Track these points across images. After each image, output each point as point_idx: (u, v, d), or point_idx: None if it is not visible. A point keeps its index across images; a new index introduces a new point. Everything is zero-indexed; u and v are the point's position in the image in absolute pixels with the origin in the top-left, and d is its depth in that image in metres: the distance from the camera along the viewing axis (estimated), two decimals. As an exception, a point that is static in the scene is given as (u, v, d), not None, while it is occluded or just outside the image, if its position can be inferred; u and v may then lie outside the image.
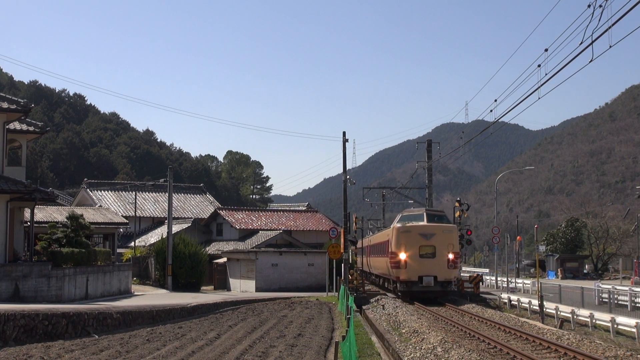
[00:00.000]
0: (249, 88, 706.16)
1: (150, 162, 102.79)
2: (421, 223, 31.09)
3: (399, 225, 31.35)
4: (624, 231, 66.52)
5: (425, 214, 31.90)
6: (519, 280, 46.81)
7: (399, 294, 31.39)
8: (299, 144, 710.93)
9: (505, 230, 70.19)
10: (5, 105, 27.87)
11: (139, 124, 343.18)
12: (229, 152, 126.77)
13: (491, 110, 24.41)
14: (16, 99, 29.73)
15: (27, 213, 31.60)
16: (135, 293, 36.21)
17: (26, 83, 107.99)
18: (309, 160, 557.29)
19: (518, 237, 56.16)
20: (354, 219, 40.05)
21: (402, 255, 30.01)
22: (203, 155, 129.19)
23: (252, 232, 53.74)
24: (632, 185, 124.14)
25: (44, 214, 38.31)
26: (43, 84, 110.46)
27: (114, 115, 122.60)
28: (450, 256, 30.16)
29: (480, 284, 36.22)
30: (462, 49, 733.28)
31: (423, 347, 15.89)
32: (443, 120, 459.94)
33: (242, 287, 45.78)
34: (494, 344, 16.74)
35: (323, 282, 41.69)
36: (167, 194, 45.94)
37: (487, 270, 65.47)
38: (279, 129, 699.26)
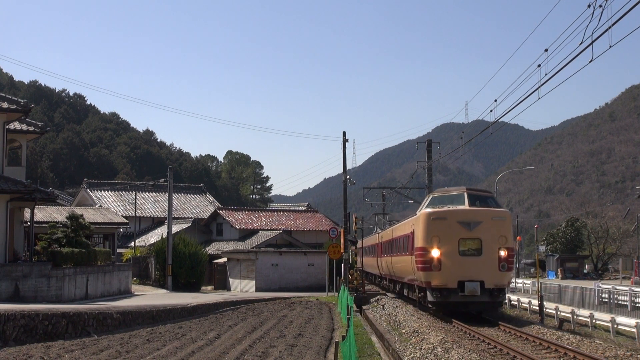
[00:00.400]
0: (250, 88, 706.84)
1: (150, 162, 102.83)
2: (461, 207, 22.81)
3: (429, 210, 23.04)
4: (624, 231, 66.58)
5: (466, 194, 23.38)
6: (519, 280, 46.80)
7: (430, 305, 23.14)
8: (299, 144, 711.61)
9: (505, 230, 70.03)
10: (5, 105, 27.88)
11: (139, 124, 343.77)
12: (229, 152, 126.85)
13: (491, 110, 24.34)
14: (16, 99, 29.75)
15: (27, 213, 31.60)
16: (135, 293, 36.21)
17: (26, 83, 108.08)
18: (309, 160, 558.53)
19: (518, 237, 56.15)
20: (354, 219, 40.01)
21: (435, 252, 22.00)
22: (203, 155, 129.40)
23: (252, 232, 53.76)
24: (632, 185, 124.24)
25: (44, 214, 38.32)
26: (43, 84, 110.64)
27: (114, 115, 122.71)
28: (502, 253, 22.07)
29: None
30: (462, 49, 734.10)
31: (423, 347, 15.88)
32: (443, 120, 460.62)
33: (242, 287, 45.79)
34: (494, 344, 16.73)
35: (323, 282, 41.69)
36: (167, 194, 45.94)
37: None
38: (279, 129, 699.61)
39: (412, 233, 24.22)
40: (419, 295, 24.82)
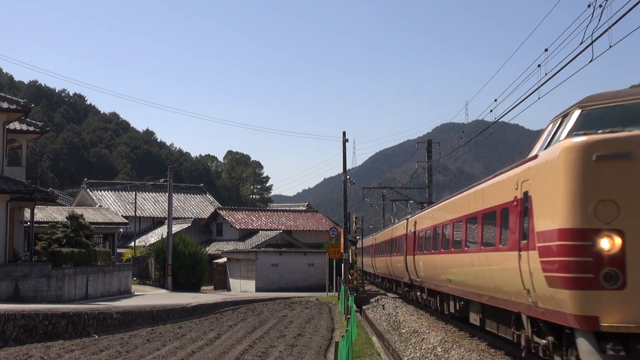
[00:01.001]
0: (250, 88, 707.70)
1: (150, 162, 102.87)
2: None
3: (582, 139, 8.59)
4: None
5: None
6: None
7: None
8: (299, 144, 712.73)
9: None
10: (5, 105, 27.88)
11: (139, 124, 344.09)
12: (229, 152, 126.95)
13: (491, 110, 24.29)
14: (16, 99, 29.78)
15: (27, 213, 31.61)
16: (135, 293, 36.21)
17: (26, 83, 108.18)
18: (309, 160, 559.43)
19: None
20: (354, 219, 40.02)
21: (605, 243, 8.11)
22: (203, 155, 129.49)
23: (252, 232, 53.76)
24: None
25: (44, 214, 38.32)
26: (43, 84, 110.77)
27: (114, 115, 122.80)
28: None
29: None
30: (462, 49, 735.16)
31: (423, 347, 15.87)
32: (443, 120, 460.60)
33: (242, 287, 45.79)
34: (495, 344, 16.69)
35: (323, 282, 41.70)
36: (167, 194, 45.94)
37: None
38: (279, 129, 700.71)
39: (522, 201, 10.68)
40: (544, 342, 10.38)
